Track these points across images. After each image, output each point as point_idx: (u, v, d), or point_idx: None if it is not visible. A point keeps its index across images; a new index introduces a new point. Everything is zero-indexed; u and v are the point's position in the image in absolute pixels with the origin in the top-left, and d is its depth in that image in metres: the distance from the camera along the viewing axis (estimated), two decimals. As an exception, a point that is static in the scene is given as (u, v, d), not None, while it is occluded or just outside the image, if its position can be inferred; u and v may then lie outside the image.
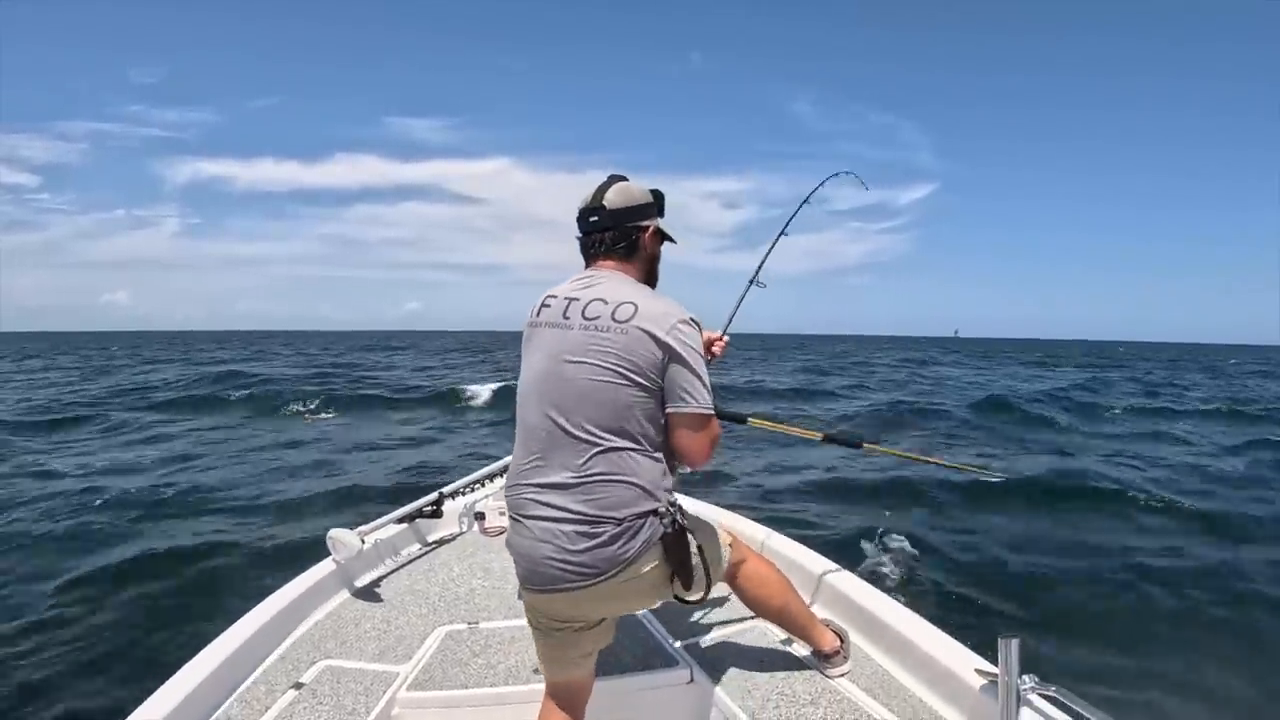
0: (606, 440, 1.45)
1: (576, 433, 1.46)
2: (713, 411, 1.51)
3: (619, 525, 1.43)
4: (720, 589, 1.79)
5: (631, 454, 1.46)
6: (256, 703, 1.81)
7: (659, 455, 1.50)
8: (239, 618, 2.11)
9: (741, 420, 2.38)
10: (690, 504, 2.54)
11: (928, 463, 3.03)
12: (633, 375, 1.44)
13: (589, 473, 1.44)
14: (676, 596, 1.58)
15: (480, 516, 3.39)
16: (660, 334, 1.44)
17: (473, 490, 3.59)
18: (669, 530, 1.48)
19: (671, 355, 1.45)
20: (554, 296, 1.58)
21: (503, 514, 3.40)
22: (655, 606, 1.74)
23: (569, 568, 1.44)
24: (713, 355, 2.08)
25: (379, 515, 2.90)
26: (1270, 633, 4.59)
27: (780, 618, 1.89)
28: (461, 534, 3.28)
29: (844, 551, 5.52)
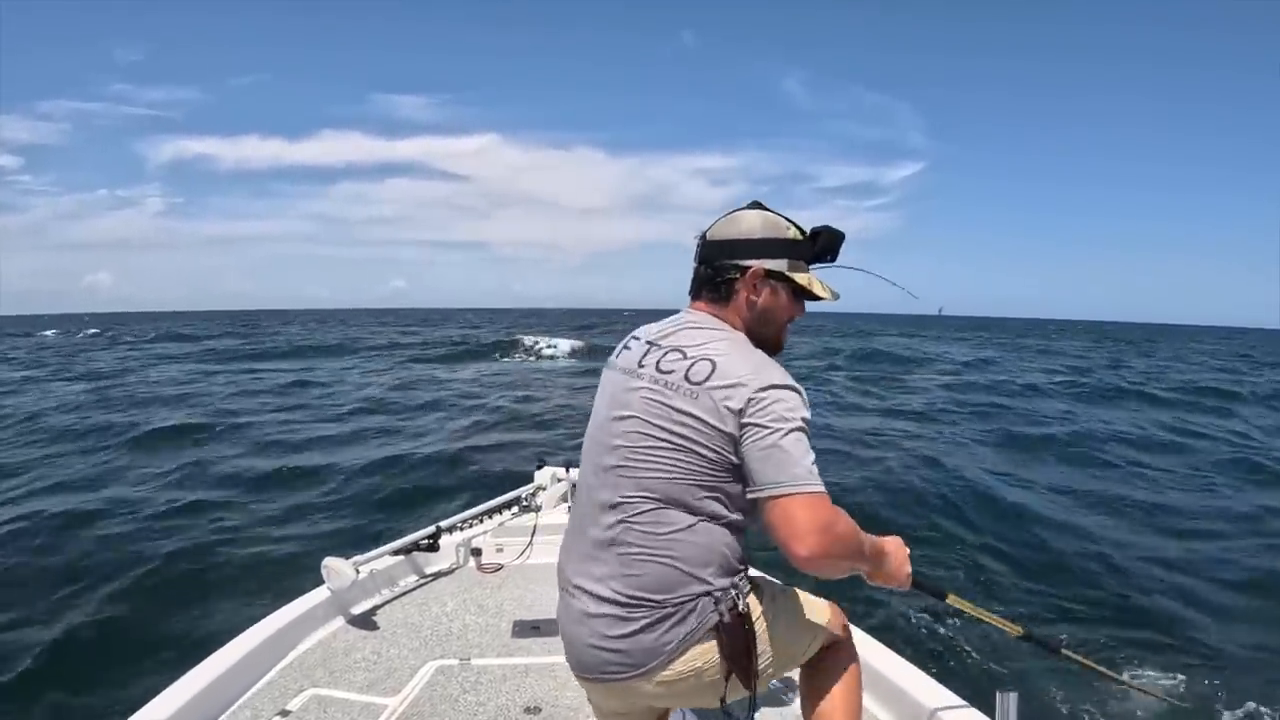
0: (646, 510, 1.24)
1: (615, 499, 1.26)
2: (814, 491, 1.15)
3: (658, 610, 1.22)
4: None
5: (677, 528, 1.23)
6: None
7: (718, 529, 1.25)
8: (228, 640, 2.11)
9: None
10: None
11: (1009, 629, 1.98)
12: (693, 446, 1.21)
13: (625, 546, 1.25)
14: (721, 700, 1.28)
15: (477, 553, 3.38)
16: (734, 404, 1.19)
17: (470, 526, 3.58)
18: (724, 618, 1.23)
19: (746, 429, 1.18)
20: (636, 339, 1.38)
21: (499, 550, 3.40)
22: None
23: (610, 654, 1.25)
24: None
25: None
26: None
27: None
28: (457, 568, 3.27)
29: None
